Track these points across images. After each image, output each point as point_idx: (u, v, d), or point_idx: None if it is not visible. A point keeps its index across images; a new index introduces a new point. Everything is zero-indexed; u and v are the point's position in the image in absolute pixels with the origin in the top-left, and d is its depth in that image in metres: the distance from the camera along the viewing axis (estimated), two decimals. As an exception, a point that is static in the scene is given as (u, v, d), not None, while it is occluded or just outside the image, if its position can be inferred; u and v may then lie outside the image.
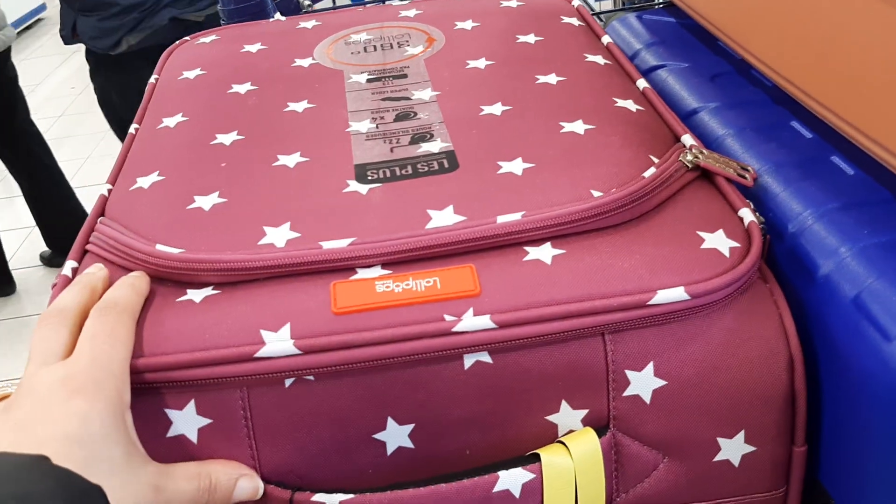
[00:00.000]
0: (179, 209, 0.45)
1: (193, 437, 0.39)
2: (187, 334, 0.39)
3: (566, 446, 0.39)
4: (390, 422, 0.40)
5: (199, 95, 0.59)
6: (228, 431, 0.39)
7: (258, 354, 0.38)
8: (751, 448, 0.41)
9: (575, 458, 0.39)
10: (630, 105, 0.53)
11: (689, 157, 0.46)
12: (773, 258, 0.44)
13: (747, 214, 0.42)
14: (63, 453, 0.33)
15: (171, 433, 0.39)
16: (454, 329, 0.38)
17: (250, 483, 0.39)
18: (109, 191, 0.50)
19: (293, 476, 0.40)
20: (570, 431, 0.41)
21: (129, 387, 0.37)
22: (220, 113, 0.55)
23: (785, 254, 0.43)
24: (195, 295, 0.40)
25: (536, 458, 0.39)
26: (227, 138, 0.52)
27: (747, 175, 0.46)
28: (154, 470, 0.36)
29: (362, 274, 0.40)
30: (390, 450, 0.40)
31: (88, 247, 0.45)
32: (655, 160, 0.46)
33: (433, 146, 0.49)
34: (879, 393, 0.36)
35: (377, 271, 0.40)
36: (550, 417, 0.40)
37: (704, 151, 0.47)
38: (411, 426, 0.40)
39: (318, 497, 0.39)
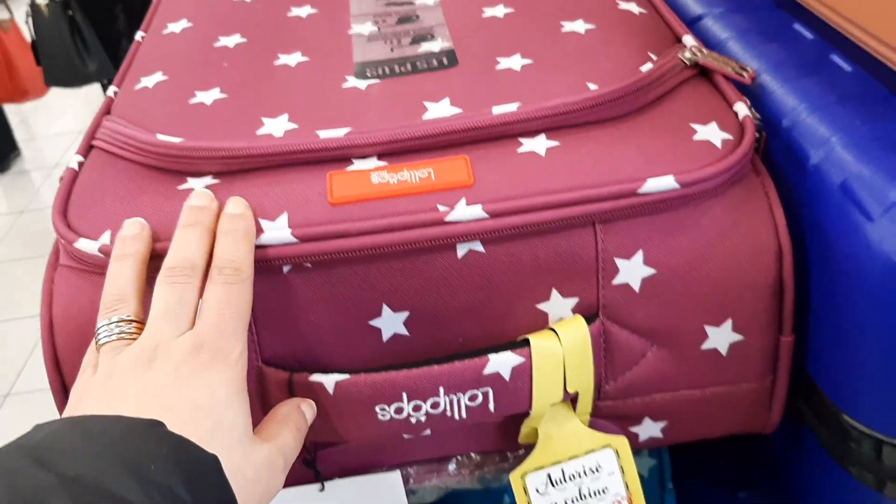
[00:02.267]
0: (181, 104, 0.45)
1: (196, 322, 0.40)
2: None
3: (556, 333, 0.40)
4: (385, 309, 0.41)
5: (205, 2, 0.59)
6: None
7: (257, 242, 0.39)
8: (738, 337, 0.42)
9: (564, 343, 0.40)
10: (633, 7, 0.52)
11: (688, 55, 0.46)
12: (767, 153, 0.44)
13: (742, 109, 0.43)
14: (190, 422, 0.33)
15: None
16: (447, 219, 0.39)
17: (309, 406, 0.40)
18: (115, 93, 0.50)
19: (292, 360, 0.42)
20: (561, 320, 0.42)
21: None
22: (225, 18, 0.56)
23: (779, 148, 0.43)
24: (195, 183, 0.41)
25: (527, 343, 0.40)
26: (230, 41, 0.52)
27: (745, 73, 0.46)
28: (263, 438, 0.37)
29: (358, 165, 0.41)
30: (386, 336, 0.41)
31: (94, 142, 0.46)
32: (654, 58, 0.46)
33: (434, 46, 0.49)
34: (863, 274, 0.37)
35: (373, 162, 0.41)
36: (541, 306, 0.41)
37: (704, 50, 0.47)
38: (406, 314, 0.41)
39: (314, 377, 0.40)
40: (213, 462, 0.32)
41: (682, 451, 0.54)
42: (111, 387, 0.34)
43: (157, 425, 0.31)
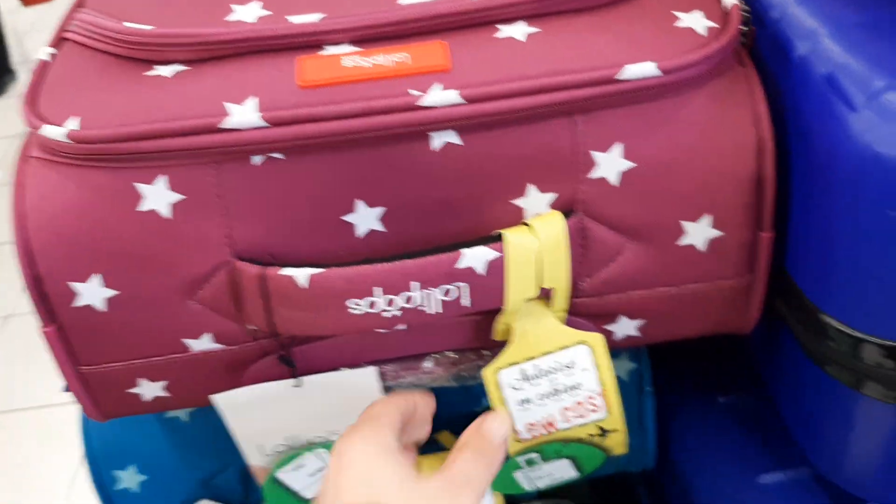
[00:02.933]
0: None
1: (167, 212, 0.40)
2: (155, 107, 0.39)
3: (531, 227, 0.40)
4: (360, 204, 0.40)
5: None
6: (201, 208, 0.40)
7: (223, 125, 0.38)
8: (717, 233, 0.41)
9: (540, 238, 0.39)
10: None
11: (676, -54, 0.44)
12: (755, 49, 0.43)
13: (730, -1, 0.41)
14: None
15: (142, 207, 0.39)
16: (421, 103, 0.38)
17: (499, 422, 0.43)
18: (86, -16, 0.49)
19: (266, 254, 0.41)
20: (538, 216, 0.41)
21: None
22: None
23: (766, 40, 0.42)
24: (164, 70, 0.40)
25: (494, 238, 0.39)
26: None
27: (736, -35, 0.44)
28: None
29: (330, 51, 0.40)
30: (360, 232, 0.41)
31: (65, 34, 0.45)
32: (640, -56, 0.44)
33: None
34: (844, 166, 0.36)
35: (347, 48, 0.40)
36: (518, 201, 0.41)
37: (694, -60, 0.45)
38: (382, 209, 0.40)
39: (286, 271, 0.40)
40: None
41: (662, 356, 0.54)
42: None
43: None
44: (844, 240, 0.38)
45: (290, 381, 0.45)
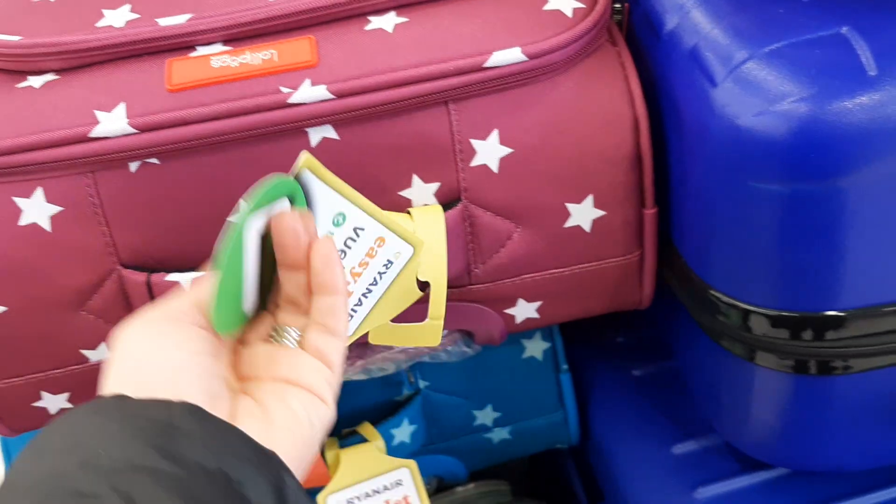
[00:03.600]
0: (23, 2, 0.43)
1: (46, 225, 0.39)
2: (25, 119, 0.38)
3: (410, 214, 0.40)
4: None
5: None
6: (81, 218, 0.39)
7: (93, 134, 0.37)
8: (601, 213, 0.42)
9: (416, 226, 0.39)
10: None
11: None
12: (630, 24, 0.43)
13: (598, -23, 0.41)
14: None
15: (22, 221, 0.39)
16: (291, 101, 0.37)
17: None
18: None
19: (151, 260, 0.41)
20: (425, 206, 0.41)
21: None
22: None
23: (639, 17, 0.42)
24: (35, 81, 0.39)
25: None
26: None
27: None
28: None
29: (201, 51, 0.39)
30: (248, 232, 0.41)
31: None
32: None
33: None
34: (710, 140, 0.36)
35: (217, 48, 0.39)
36: (403, 192, 0.41)
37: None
38: None
39: (171, 276, 0.40)
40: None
41: (577, 332, 0.55)
42: None
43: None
44: (718, 213, 0.38)
45: None
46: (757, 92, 0.35)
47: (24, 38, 0.40)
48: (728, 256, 0.40)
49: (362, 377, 0.48)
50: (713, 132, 0.36)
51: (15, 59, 0.40)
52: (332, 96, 0.38)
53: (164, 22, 0.39)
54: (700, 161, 0.38)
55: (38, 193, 0.39)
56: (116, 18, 0.40)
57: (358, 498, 0.50)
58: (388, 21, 0.39)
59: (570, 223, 0.42)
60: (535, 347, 0.54)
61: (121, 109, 0.38)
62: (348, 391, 0.51)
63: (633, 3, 0.43)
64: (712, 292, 0.41)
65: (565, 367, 0.54)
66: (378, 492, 0.50)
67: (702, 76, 0.36)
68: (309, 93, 0.37)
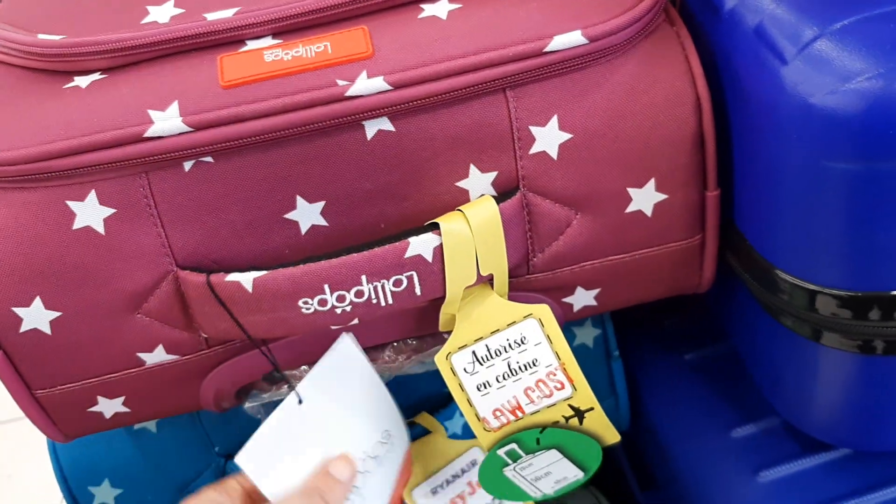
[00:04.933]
0: (60, 2, 0.42)
1: (100, 228, 0.39)
2: (76, 120, 0.37)
3: (464, 215, 0.39)
4: (300, 200, 0.39)
5: None
6: (134, 220, 0.39)
7: (148, 134, 0.37)
8: (662, 196, 0.41)
9: (473, 225, 0.39)
10: None
11: None
12: (685, 5, 0.42)
13: (655, -45, 0.40)
14: None
15: (76, 225, 0.38)
16: (348, 93, 0.37)
17: (340, 464, 0.42)
18: (-3, -3, 0.47)
19: (208, 261, 0.40)
20: (482, 196, 0.40)
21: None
22: None
23: (695, -5, 0.41)
24: (82, 81, 0.39)
25: (438, 226, 0.39)
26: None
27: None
28: None
29: (252, 45, 0.38)
30: (304, 229, 0.40)
31: None
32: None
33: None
34: (780, 120, 0.35)
35: (267, 41, 0.39)
36: (461, 183, 0.40)
37: None
38: (322, 203, 0.40)
39: (231, 277, 0.39)
40: None
41: (627, 318, 0.54)
42: None
43: None
44: (787, 193, 0.38)
45: (293, 400, 0.43)
46: (829, 70, 0.34)
47: (68, 37, 0.39)
48: (795, 236, 0.39)
49: (418, 370, 0.48)
50: (784, 111, 0.35)
51: (59, 59, 0.39)
52: (390, 87, 0.37)
53: (212, 16, 0.39)
54: (769, 140, 0.37)
55: (91, 196, 0.38)
56: (161, 14, 0.40)
57: (441, 486, 0.49)
58: (440, 8, 0.39)
59: (631, 208, 0.41)
60: (586, 334, 0.53)
61: (174, 108, 0.37)
62: (402, 384, 0.51)
63: (687, -19, 0.42)
64: (777, 272, 0.40)
65: (616, 353, 0.54)
66: (458, 476, 0.50)
67: (770, 54, 0.35)
68: (366, 85, 0.37)
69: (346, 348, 0.43)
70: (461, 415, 0.53)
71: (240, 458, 0.39)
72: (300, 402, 0.41)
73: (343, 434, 0.43)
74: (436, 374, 0.52)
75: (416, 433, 0.52)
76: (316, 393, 0.42)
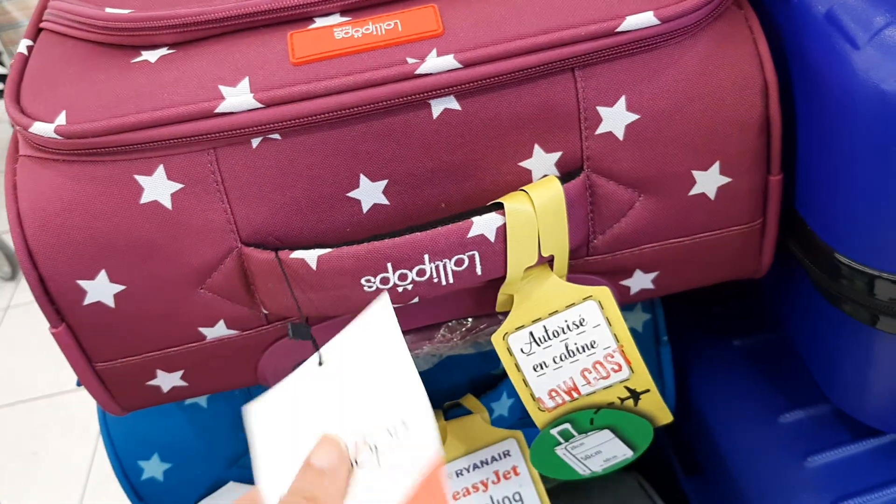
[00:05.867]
0: None
1: (167, 203, 0.39)
2: (146, 95, 0.38)
3: (528, 195, 0.39)
4: (363, 179, 0.39)
5: None
6: (202, 195, 0.39)
7: (219, 110, 0.37)
8: (726, 179, 0.41)
9: (536, 206, 0.39)
10: None
11: None
12: (752, -15, 0.42)
13: (724, -63, 0.40)
14: None
15: (143, 199, 0.39)
16: (418, 71, 0.37)
17: (323, 449, 0.35)
18: (60, -28, 0.47)
19: (271, 238, 0.40)
20: (545, 176, 0.40)
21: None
22: None
23: (764, -22, 0.41)
24: (150, 56, 0.39)
25: (502, 205, 0.39)
26: None
27: None
28: None
29: (320, 23, 0.39)
30: (366, 207, 0.40)
31: (42, 24, 0.44)
32: None
33: None
34: (851, 105, 0.35)
35: (336, 18, 0.39)
36: (524, 163, 0.40)
37: None
38: (384, 182, 0.40)
39: (296, 254, 0.39)
40: None
41: (676, 303, 0.54)
42: None
43: None
44: (853, 178, 0.37)
45: (314, 361, 0.44)
46: (901, 56, 0.34)
47: (136, 11, 0.40)
48: (859, 221, 0.39)
49: (470, 351, 0.48)
50: (856, 96, 0.35)
51: (127, 33, 0.39)
52: (460, 65, 0.37)
53: (282, -7, 0.39)
54: (838, 125, 0.36)
55: (160, 171, 0.38)
56: (230, -10, 0.40)
57: (466, 469, 0.50)
58: (511, -13, 0.39)
59: (694, 191, 0.41)
60: (636, 319, 0.53)
61: (245, 84, 0.37)
62: (449, 365, 0.51)
63: (755, -37, 0.41)
64: (838, 257, 0.40)
65: (665, 338, 0.54)
66: (486, 462, 0.50)
67: (842, 40, 0.35)
68: (436, 63, 0.37)
69: (382, 311, 0.38)
70: (507, 397, 0.53)
71: (247, 409, 0.37)
72: (320, 363, 0.39)
73: (350, 410, 0.37)
74: (485, 356, 0.52)
75: (459, 414, 0.52)
76: (339, 356, 0.39)
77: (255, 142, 0.38)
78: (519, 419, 0.55)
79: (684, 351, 0.56)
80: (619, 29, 0.37)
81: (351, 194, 0.40)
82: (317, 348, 0.41)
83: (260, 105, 0.37)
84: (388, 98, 0.37)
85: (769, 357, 0.54)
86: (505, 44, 0.37)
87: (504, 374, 0.53)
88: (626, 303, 0.46)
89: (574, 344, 0.42)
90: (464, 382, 0.53)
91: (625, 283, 0.44)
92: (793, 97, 0.40)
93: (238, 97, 0.37)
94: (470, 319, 0.46)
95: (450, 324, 0.46)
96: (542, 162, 0.40)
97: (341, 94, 0.37)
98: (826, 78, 0.37)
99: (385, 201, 0.40)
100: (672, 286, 0.46)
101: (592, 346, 0.42)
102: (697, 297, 0.56)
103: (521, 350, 0.43)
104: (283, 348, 0.45)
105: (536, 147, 0.40)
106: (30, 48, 0.43)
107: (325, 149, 0.38)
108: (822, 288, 0.43)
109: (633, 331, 0.53)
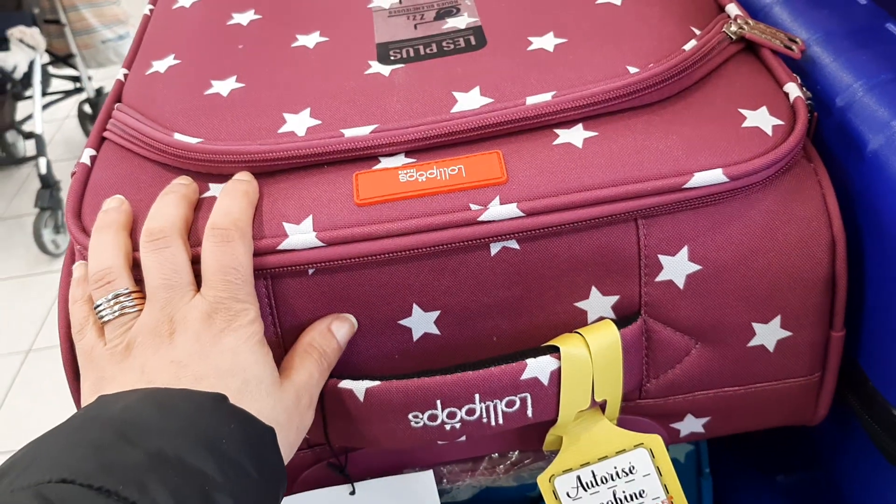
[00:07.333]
0: (197, 95, 0.43)
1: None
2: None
3: (584, 339, 0.38)
4: (416, 308, 0.39)
5: None
6: None
7: (281, 247, 0.37)
8: (787, 333, 0.40)
9: (593, 351, 0.38)
10: (671, -27, 0.49)
11: (734, 28, 0.43)
12: (819, 135, 0.41)
13: (793, 89, 0.40)
14: (220, 386, 0.34)
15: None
16: (480, 218, 0.37)
17: (341, 323, 0.39)
18: (126, 75, 0.48)
19: (322, 365, 0.40)
20: (601, 318, 0.40)
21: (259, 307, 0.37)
22: (237, -9, 0.53)
23: (832, 129, 0.40)
24: (217, 189, 0.39)
25: (556, 348, 0.38)
26: (243, 18, 0.50)
27: (795, 47, 0.43)
28: (286, 377, 0.37)
29: (385, 163, 0.39)
30: (416, 336, 0.40)
31: (106, 134, 0.44)
32: (697, 32, 0.43)
33: (459, 21, 0.46)
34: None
35: (401, 160, 0.39)
36: (580, 304, 0.39)
37: (750, 22, 0.44)
38: (437, 313, 0.39)
39: (344, 384, 0.39)
40: (269, 435, 0.34)
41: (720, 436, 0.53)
42: (134, 362, 0.35)
43: (222, 400, 0.33)
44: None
45: (346, 487, 0.44)
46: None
47: (206, 140, 0.40)
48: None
49: (512, 484, 0.47)
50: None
51: (195, 162, 0.40)
52: (522, 214, 0.37)
53: (349, 133, 0.39)
54: (909, 290, 0.36)
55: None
56: (298, 125, 0.40)
57: None
58: (576, 135, 0.38)
59: (753, 343, 0.40)
60: (678, 450, 0.52)
61: (308, 222, 0.37)
62: (488, 491, 0.50)
63: (823, 114, 0.41)
64: (897, 414, 0.39)
65: (707, 470, 0.53)
66: None
67: (918, 205, 0.35)
68: (499, 211, 0.37)
69: (424, 480, 0.44)
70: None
71: None
72: (352, 492, 0.43)
73: None
74: (527, 488, 0.51)
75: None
76: (371, 495, 0.43)
77: (311, 270, 0.38)
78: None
79: (725, 483, 0.54)
80: (686, 185, 0.36)
81: (402, 322, 0.39)
82: (350, 480, 0.41)
83: (322, 244, 0.37)
84: (450, 241, 0.37)
85: (812, 496, 0.52)
86: (569, 195, 0.37)
87: (540, 498, 0.52)
88: (674, 444, 0.45)
89: (622, 492, 0.41)
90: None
91: (675, 425, 0.43)
92: (862, 252, 0.39)
93: (301, 235, 0.37)
94: (515, 453, 0.45)
95: (493, 456, 0.45)
96: (598, 304, 0.39)
97: (403, 237, 0.37)
98: (898, 241, 0.36)
99: (436, 331, 0.40)
100: (722, 430, 0.45)
101: (641, 496, 0.41)
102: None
103: (567, 494, 0.42)
104: (320, 472, 0.44)
105: (594, 289, 0.39)
106: (93, 158, 0.43)
107: (381, 279, 0.38)
108: (881, 445, 0.41)
109: (674, 461, 0.52)
